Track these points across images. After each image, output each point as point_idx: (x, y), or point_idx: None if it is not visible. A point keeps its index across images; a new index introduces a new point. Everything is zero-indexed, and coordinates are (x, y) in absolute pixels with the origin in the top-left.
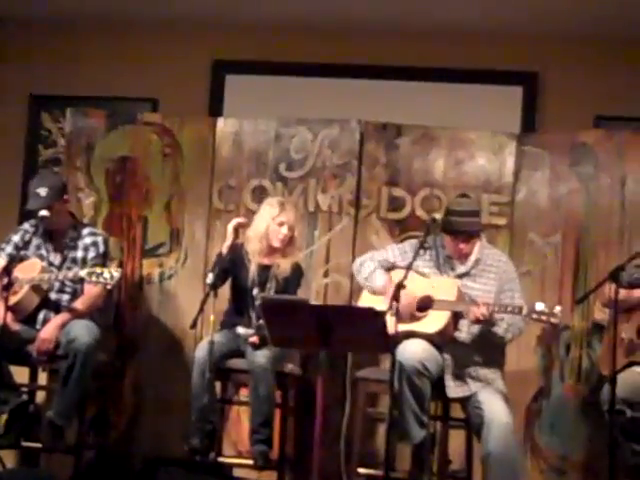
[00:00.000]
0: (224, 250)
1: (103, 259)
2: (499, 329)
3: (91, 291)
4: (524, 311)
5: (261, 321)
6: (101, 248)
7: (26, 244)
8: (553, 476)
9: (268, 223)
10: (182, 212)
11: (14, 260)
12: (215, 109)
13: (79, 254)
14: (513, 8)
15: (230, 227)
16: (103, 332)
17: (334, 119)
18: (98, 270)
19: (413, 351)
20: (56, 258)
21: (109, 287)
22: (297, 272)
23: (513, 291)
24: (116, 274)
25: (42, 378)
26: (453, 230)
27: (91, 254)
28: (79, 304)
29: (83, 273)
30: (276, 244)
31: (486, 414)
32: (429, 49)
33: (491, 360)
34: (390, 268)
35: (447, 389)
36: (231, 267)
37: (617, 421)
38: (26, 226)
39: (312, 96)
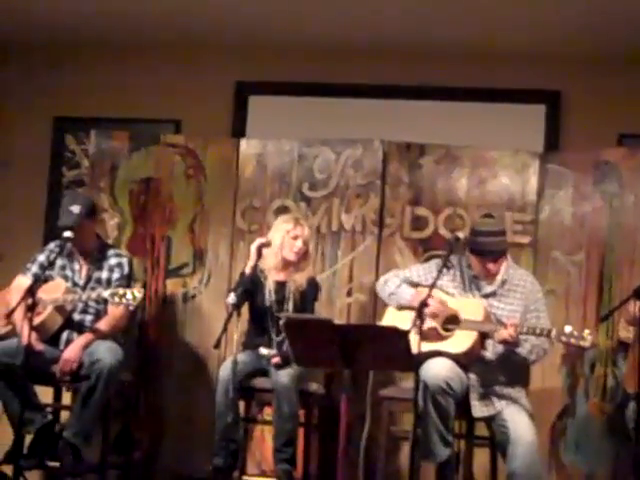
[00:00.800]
0: (247, 270)
1: (127, 280)
2: (523, 350)
3: (114, 312)
4: (553, 334)
5: (281, 336)
6: (126, 269)
7: (51, 264)
8: None
9: (283, 236)
10: (206, 232)
11: (39, 280)
12: (238, 130)
13: (104, 275)
14: (536, 27)
15: (253, 247)
16: (126, 352)
17: (357, 139)
18: (121, 291)
19: (437, 370)
20: (81, 278)
21: (132, 308)
22: (313, 286)
23: (539, 311)
24: (139, 295)
25: (66, 398)
26: (480, 250)
27: (116, 275)
28: (102, 325)
29: (106, 294)
30: (291, 257)
31: (511, 432)
32: (451, 69)
33: (516, 379)
34: (414, 287)
35: (472, 408)
36: (251, 287)
37: None
38: (51, 246)
39: (335, 116)
